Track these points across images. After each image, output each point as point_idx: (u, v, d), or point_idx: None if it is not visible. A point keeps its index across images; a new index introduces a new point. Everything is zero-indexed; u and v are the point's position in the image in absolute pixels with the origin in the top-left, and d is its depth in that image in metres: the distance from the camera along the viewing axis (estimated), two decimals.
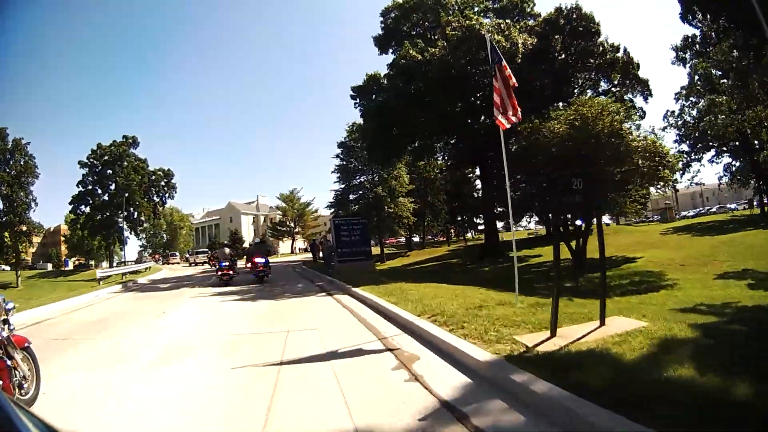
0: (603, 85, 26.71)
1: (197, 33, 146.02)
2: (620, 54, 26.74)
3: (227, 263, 16.59)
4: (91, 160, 54.61)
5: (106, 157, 54.77)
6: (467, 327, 6.07)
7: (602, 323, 5.74)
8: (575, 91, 26.41)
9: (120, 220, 52.92)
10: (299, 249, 76.88)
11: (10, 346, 3.91)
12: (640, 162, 19.57)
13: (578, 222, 24.79)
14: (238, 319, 9.24)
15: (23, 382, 3.99)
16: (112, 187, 53.68)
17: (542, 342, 5.04)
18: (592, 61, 26.57)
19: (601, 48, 26.60)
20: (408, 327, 7.00)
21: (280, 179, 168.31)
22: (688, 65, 37.75)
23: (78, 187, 54.01)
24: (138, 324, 9.37)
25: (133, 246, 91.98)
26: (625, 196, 21.22)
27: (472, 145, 30.53)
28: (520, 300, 7.91)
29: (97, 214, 53.20)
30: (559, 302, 5.67)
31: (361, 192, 47.67)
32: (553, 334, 5.27)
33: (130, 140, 56.46)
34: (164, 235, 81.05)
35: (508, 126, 9.27)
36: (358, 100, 31.62)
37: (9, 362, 3.83)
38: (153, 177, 56.03)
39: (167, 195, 57.47)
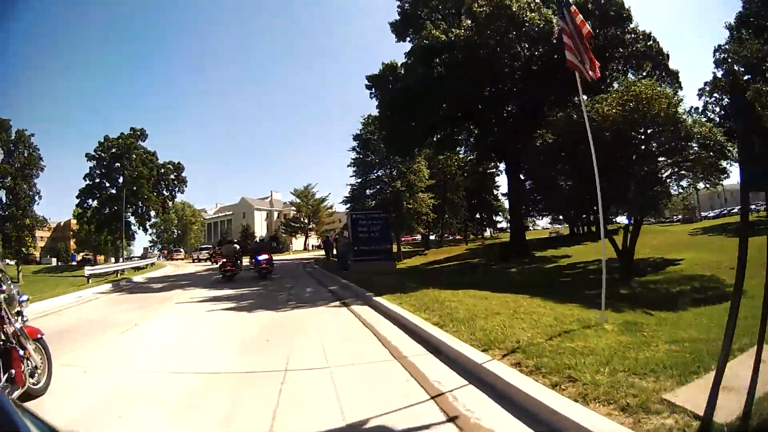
0: (631, 77, 23.63)
1: (209, 27, 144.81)
2: (651, 42, 24.45)
3: (232, 259, 16.45)
4: (99, 152, 53.00)
5: (114, 150, 53.13)
6: (577, 375, 3.75)
7: None
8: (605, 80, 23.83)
9: (127, 214, 51.19)
10: (313, 246, 74.68)
11: (23, 337, 3.98)
12: (699, 151, 17.09)
13: (620, 219, 22.99)
14: (219, 343, 6.67)
15: (35, 371, 4.04)
16: (120, 180, 52.00)
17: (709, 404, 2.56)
18: (622, 50, 24.17)
19: (632, 36, 24.39)
20: (474, 372, 4.38)
21: (295, 175, 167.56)
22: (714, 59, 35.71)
23: (85, 181, 52.52)
24: (92, 343, 6.88)
25: (143, 241, 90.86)
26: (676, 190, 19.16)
27: (498, 136, 28.08)
28: (607, 318, 6.18)
29: (104, 208, 51.48)
30: (631, 315, 3.58)
31: (378, 186, 45.25)
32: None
33: (138, 132, 54.68)
34: (175, 231, 79.23)
35: (590, 79, 7.18)
36: (374, 90, 29.48)
37: (22, 352, 3.86)
38: (162, 170, 54.13)
39: (177, 189, 55.57)
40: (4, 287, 3.93)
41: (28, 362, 3.95)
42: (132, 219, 53.95)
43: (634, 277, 16.24)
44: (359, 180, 46.36)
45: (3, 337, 3.75)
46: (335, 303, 10.31)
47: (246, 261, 21.89)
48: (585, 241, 32.40)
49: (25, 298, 4.37)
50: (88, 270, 19.92)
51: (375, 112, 35.54)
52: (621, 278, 15.90)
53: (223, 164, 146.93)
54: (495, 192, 56.52)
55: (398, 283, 11.86)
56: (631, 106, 15.76)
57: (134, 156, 53.49)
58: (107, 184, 52.21)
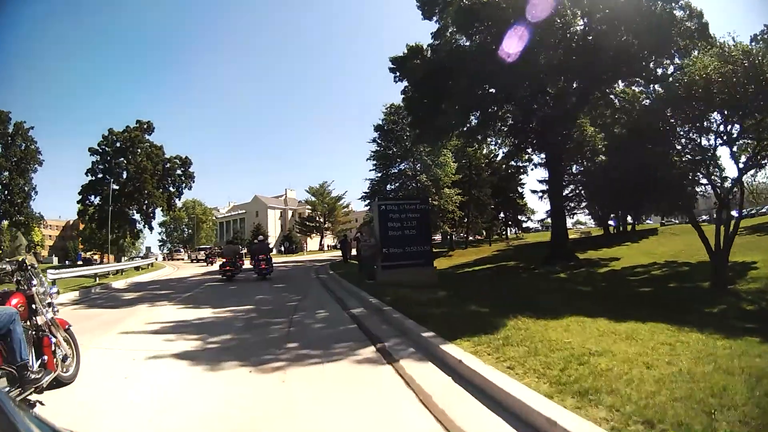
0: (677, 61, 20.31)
1: (221, 22, 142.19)
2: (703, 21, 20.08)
3: (232, 259, 16.32)
4: (103, 147, 49.78)
5: (118, 144, 49.80)
6: None
7: None
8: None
9: (131, 211, 47.72)
10: (328, 246, 70.82)
11: (53, 326, 4.23)
12: None
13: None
14: None
15: (65, 359, 4.30)
16: (125, 175, 48.61)
17: None
18: (673, 31, 19.56)
19: (685, 12, 20.16)
20: None
21: (310, 174, 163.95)
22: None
23: (87, 176, 49.29)
24: None
25: (152, 240, 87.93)
26: None
27: (542, 123, 24.37)
28: None
29: (105, 205, 48.09)
30: None
31: (401, 181, 41.16)
32: None
33: (145, 125, 51.24)
34: (186, 229, 75.90)
35: None
36: (397, 74, 26.03)
37: (54, 340, 4.10)
38: (168, 165, 50.50)
39: (184, 185, 51.98)
40: (35, 281, 4.11)
41: (59, 350, 4.21)
42: (137, 216, 50.76)
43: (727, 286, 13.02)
44: (380, 174, 42.38)
45: (36, 326, 4.00)
46: (366, 350, 5.75)
47: (247, 262, 20.92)
48: (623, 241, 30.17)
49: (55, 290, 4.55)
50: (51, 274, 15.94)
51: (398, 100, 33.93)
52: (716, 288, 13.07)
53: (237, 162, 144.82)
54: (521, 189, 53.48)
55: (457, 306, 7.97)
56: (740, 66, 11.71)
57: (139, 150, 50.17)
58: (110, 180, 48.86)
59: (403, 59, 25.33)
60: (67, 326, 4.65)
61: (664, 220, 51.80)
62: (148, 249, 64.53)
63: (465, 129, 26.32)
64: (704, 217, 59.22)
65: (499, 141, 33.86)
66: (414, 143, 33.83)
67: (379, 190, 41.75)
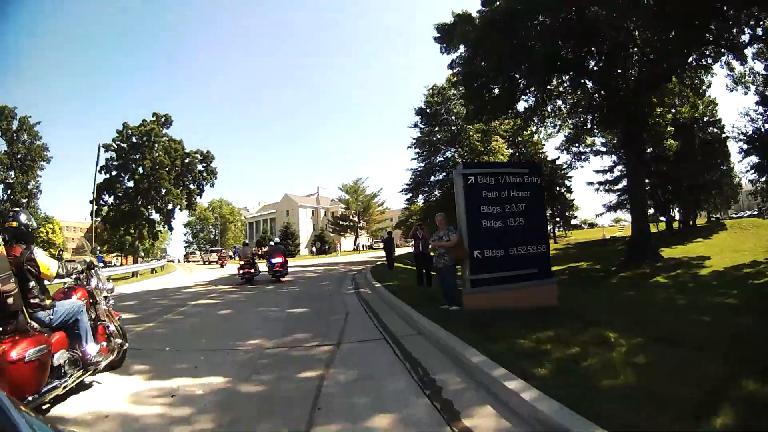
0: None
1: (247, 18, 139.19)
2: None
3: (250, 261, 15.79)
4: (118, 142, 45.96)
5: (134, 140, 45.94)
6: None
7: None
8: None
9: (149, 210, 43.73)
10: (364, 246, 65.59)
11: (109, 317, 4.69)
12: None
13: None
14: None
15: (117, 346, 4.67)
16: (140, 171, 44.63)
17: None
18: None
19: None
20: None
21: (343, 172, 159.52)
22: None
23: (101, 174, 45.47)
24: None
25: (178, 242, 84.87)
26: None
27: (618, 92, 19.95)
28: None
29: (120, 203, 44.26)
30: None
31: (447, 172, 35.52)
32: None
33: (162, 119, 47.20)
34: (213, 230, 72.13)
35: None
36: (444, 45, 22.15)
37: (112, 327, 4.66)
38: (187, 160, 46.23)
39: (206, 182, 47.63)
40: (93, 280, 4.67)
41: (112, 338, 4.62)
42: (157, 216, 46.82)
43: None
44: (423, 163, 36.79)
45: (94, 316, 4.47)
46: None
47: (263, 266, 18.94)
48: (692, 237, 27.71)
49: (110, 285, 5.00)
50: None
51: (441, 81, 32.17)
52: None
53: (269, 161, 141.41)
54: (568, 183, 48.05)
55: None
56: None
57: (157, 145, 46.20)
58: (124, 177, 45.06)
59: (448, 29, 21.28)
60: (118, 317, 4.98)
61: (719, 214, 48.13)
62: (164, 251, 60.83)
63: (529, 99, 22.89)
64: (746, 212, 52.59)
65: (558, 123, 27.35)
66: (467, 120, 28.04)
67: (423, 182, 36.27)
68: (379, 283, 11.31)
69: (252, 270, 16.03)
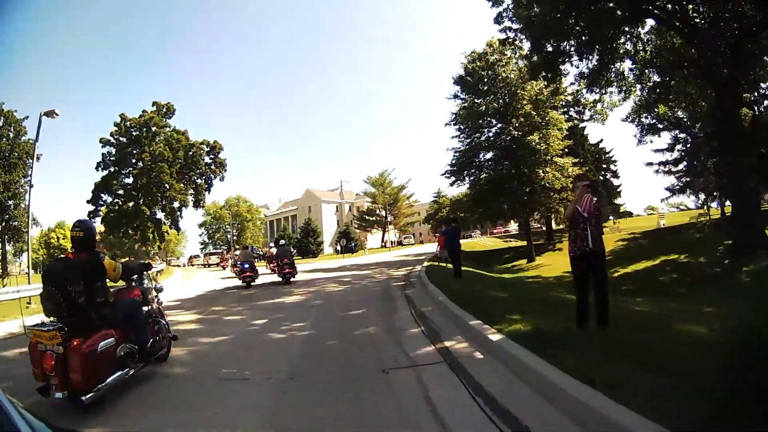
0: None
1: (264, 11, 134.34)
2: None
3: (249, 265, 15.44)
4: (117, 137, 40.92)
5: (134, 132, 40.82)
6: None
7: None
8: None
9: (148, 209, 38.55)
10: (392, 243, 59.72)
11: (158, 314, 5.04)
12: None
13: None
14: None
15: (162, 340, 4.94)
16: (140, 166, 39.48)
17: None
18: None
19: None
20: None
21: (367, 166, 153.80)
22: None
23: (98, 171, 40.61)
24: None
25: (193, 243, 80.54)
26: None
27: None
28: None
29: (117, 202, 39.26)
30: None
31: (497, 149, 29.30)
32: None
33: (164, 108, 41.96)
34: (230, 230, 67.10)
35: None
36: None
37: (163, 324, 5.06)
38: (192, 151, 40.85)
39: (214, 175, 42.18)
40: (145, 280, 5.02)
41: (160, 334, 4.91)
42: (163, 216, 41.71)
43: None
44: (467, 140, 30.56)
45: (146, 314, 4.76)
46: None
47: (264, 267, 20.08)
48: None
49: (160, 285, 5.39)
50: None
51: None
52: None
53: (289, 157, 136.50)
54: (614, 167, 44.12)
55: None
56: None
57: (159, 137, 41.02)
58: (123, 174, 40.04)
59: None
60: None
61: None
62: (163, 254, 56.24)
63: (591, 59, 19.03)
64: None
65: (628, 87, 21.76)
66: (533, 73, 21.61)
67: (468, 162, 29.98)
68: (497, 332, 4.68)
69: (253, 273, 15.52)
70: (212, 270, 33.06)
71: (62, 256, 4.04)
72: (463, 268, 11.73)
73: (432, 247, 43.61)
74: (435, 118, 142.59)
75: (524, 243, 31.62)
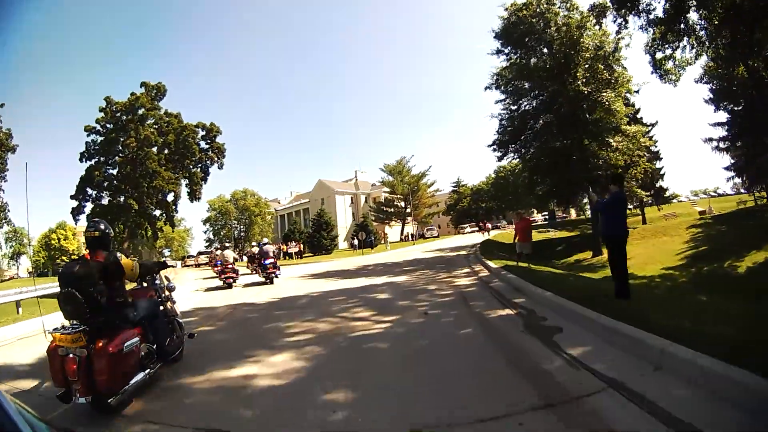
0: None
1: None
2: None
3: (230, 266, 14.91)
4: (103, 123, 36.06)
5: (121, 117, 35.91)
6: None
7: None
8: None
9: (135, 202, 33.56)
10: (412, 236, 54.27)
11: (173, 314, 4.95)
12: None
13: None
14: None
15: (177, 339, 4.80)
16: (126, 153, 34.51)
17: None
18: None
19: None
20: None
21: (382, 156, 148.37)
22: None
23: (82, 162, 35.84)
24: None
25: (198, 240, 76.20)
26: None
27: None
28: None
29: (102, 196, 34.45)
30: None
31: (549, 118, 23.70)
32: None
33: (153, 89, 36.95)
34: (237, 225, 62.30)
35: None
36: None
37: (180, 322, 4.98)
38: (184, 134, 35.68)
39: (210, 162, 37.07)
40: (157, 280, 4.96)
41: (175, 333, 4.82)
42: (157, 211, 36.86)
43: None
44: (510, 110, 25.04)
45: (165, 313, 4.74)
46: None
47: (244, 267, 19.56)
48: None
49: (173, 285, 5.26)
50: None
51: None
52: None
53: (301, 150, 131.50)
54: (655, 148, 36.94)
55: None
56: None
57: (149, 121, 36.05)
58: (107, 164, 35.16)
59: None
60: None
61: None
62: (162, 254, 51.81)
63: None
64: None
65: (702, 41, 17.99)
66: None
67: (517, 131, 24.32)
68: None
69: (234, 275, 14.71)
70: (202, 270, 30.20)
71: (76, 256, 3.87)
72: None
73: (459, 240, 38.74)
74: (452, 106, 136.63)
75: (560, 233, 26.12)
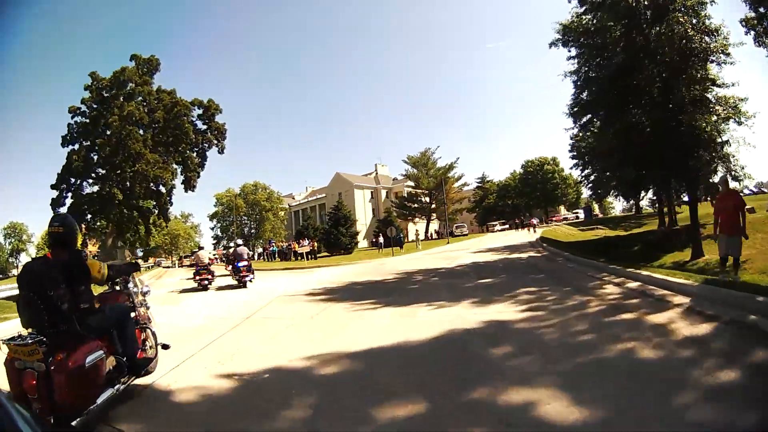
0: None
1: None
2: None
3: (204, 268, 14.68)
4: (89, 103, 31.10)
5: (105, 94, 30.84)
6: None
7: None
8: None
9: (119, 191, 28.32)
10: (438, 234, 48.73)
11: (147, 321, 4.33)
12: None
13: None
14: None
15: (150, 349, 4.25)
16: (108, 134, 29.36)
17: None
18: None
19: None
20: None
21: (402, 149, 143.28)
22: None
23: (65, 147, 30.92)
24: None
25: (207, 237, 71.64)
26: None
27: None
28: None
29: (82, 185, 29.47)
30: None
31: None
32: None
33: (144, 63, 31.87)
34: (247, 221, 57.22)
35: None
36: None
37: (153, 331, 4.30)
38: (174, 112, 30.28)
39: (208, 145, 31.74)
40: (131, 283, 4.34)
41: (147, 342, 4.23)
42: (147, 202, 31.78)
43: None
44: (581, 70, 19.07)
45: (136, 320, 4.17)
46: None
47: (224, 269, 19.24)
48: None
49: (146, 289, 4.67)
50: None
51: None
52: None
53: (318, 144, 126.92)
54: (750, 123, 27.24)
55: None
56: None
57: (138, 98, 30.88)
58: (93, 148, 30.06)
59: None
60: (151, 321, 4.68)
61: None
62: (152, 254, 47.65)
63: None
64: None
65: None
66: None
67: (603, 96, 18.27)
68: None
69: (209, 276, 14.42)
70: (189, 270, 26.93)
71: (39, 255, 3.52)
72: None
73: (496, 239, 33.32)
74: (475, 102, 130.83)
75: (613, 232, 20.06)
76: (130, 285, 4.35)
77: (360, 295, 8.80)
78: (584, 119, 19.03)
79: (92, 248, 40.96)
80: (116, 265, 3.99)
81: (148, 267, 35.14)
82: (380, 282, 11.02)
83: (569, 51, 19.30)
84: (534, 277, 9.28)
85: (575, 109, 19.55)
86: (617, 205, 79.46)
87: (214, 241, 57.84)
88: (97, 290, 3.89)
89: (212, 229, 61.67)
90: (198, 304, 10.32)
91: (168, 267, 39.03)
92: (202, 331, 6.19)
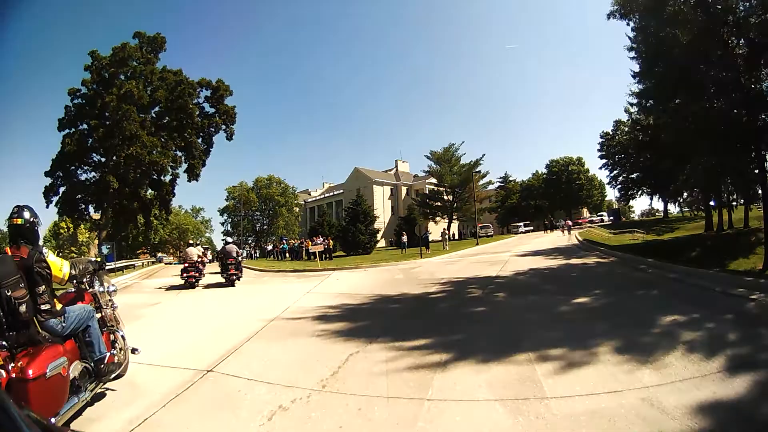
0: None
1: None
2: None
3: (193, 265, 14.31)
4: (90, 85, 28.45)
5: (105, 74, 28.11)
6: None
7: None
8: None
9: (114, 179, 25.45)
10: (462, 234, 45.43)
11: (115, 322, 4.09)
12: None
13: None
14: None
15: (120, 353, 4.02)
16: (107, 116, 26.62)
17: None
18: None
19: None
20: None
21: (422, 146, 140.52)
22: None
23: (61, 132, 28.30)
24: None
25: (217, 233, 69.47)
26: None
27: None
28: None
29: (76, 171, 26.79)
30: None
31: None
32: None
33: (147, 40, 29.15)
34: (259, 216, 54.45)
35: None
36: None
37: (121, 334, 4.09)
38: (178, 91, 27.34)
39: (216, 129, 28.83)
40: (96, 282, 4.00)
41: (116, 344, 3.98)
42: (150, 191, 29.14)
43: None
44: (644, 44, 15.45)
45: (103, 322, 3.90)
46: None
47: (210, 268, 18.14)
48: None
49: (113, 288, 4.35)
50: None
51: None
52: None
53: (337, 141, 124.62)
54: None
55: None
56: None
57: (140, 78, 28.10)
58: (90, 133, 27.37)
59: None
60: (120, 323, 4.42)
61: None
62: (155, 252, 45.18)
63: None
64: None
65: None
66: None
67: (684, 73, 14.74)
68: None
69: (197, 274, 14.06)
70: (174, 272, 23.61)
71: None
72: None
73: (527, 240, 29.36)
74: (498, 102, 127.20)
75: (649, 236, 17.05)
76: (96, 284, 3.97)
77: (402, 325, 5.57)
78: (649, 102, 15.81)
79: (92, 248, 39.12)
80: (80, 263, 3.64)
81: (152, 262, 32.38)
82: (423, 297, 7.77)
83: (627, 24, 16.69)
84: (647, 293, 6.82)
85: (645, 84, 16.38)
86: (636, 209, 77.64)
87: (224, 238, 55.46)
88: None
89: (222, 224, 59.12)
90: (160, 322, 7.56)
91: (170, 263, 36.38)
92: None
